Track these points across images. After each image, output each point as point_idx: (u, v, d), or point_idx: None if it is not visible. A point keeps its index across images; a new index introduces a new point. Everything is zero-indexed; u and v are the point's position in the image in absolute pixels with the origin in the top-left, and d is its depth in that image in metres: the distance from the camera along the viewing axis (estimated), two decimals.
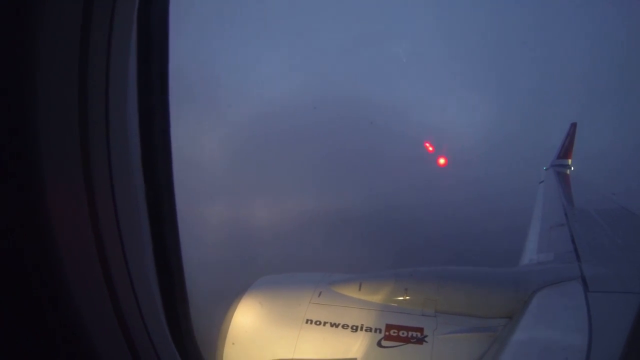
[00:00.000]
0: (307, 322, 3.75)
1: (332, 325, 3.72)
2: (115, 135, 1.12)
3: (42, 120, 0.90)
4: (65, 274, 0.97)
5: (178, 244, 1.59)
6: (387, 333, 3.60)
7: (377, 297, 3.91)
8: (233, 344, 3.74)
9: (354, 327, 3.68)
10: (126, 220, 1.18)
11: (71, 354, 1.02)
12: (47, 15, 0.88)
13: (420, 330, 3.60)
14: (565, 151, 16.36)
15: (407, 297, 3.88)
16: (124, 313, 1.16)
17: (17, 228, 0.90)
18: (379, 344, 3.56)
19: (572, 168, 15.59)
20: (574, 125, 16.98)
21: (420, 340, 3.54)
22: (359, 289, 3.97)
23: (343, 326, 3.70)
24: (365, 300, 3.90)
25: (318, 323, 3.74)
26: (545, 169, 15.14)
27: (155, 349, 1.32)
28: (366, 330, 3.65)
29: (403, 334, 3.58)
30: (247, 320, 3.88)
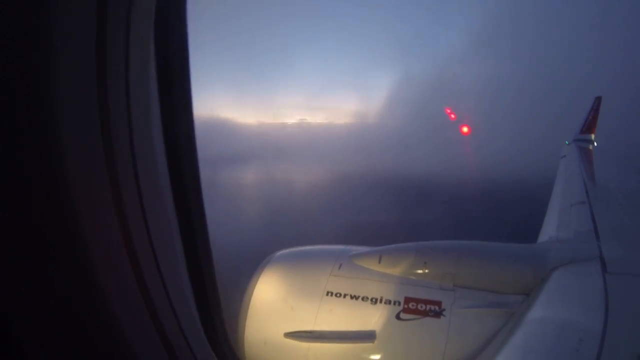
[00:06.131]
0: (327, 294, 3.81)
1: (352, 297, 3.78)
2: (139, 133, 1.11)
3: (63, 122, 0.89)
4: (96, 277, 0.97)
5: (207, 240, 1.59)
6: (405, 306, 3.66)
7: (396, 270, 3.96)
8: (254, 321, 3.83)
9: (374, 300, 3.74)
10: (154, 218, 1.18)
11: (109, 356, 1.04)
12: (60, 15, 0.87)
13: (439, 303, 3.65)
14: (589, 126, 15.92)
15: (426, 271, 3.92)
16: (159, 314, 1.18)
17: (44, 233, 0.90)
18: (398, 317, 3.62)
19: (595, 143, 15.22)
20: (598, 99, 16.45)
21: (438, 314, 3.60)
22: (379, 262, 4.02)
23: (363, 298, 3.76)
24: (385, 273, 3.94)
25: (338, 295, 3.80)
26: (568, 144, 14.80)
27: (191, 349, 1.34)
28: (385, 303, 3.71)
29: (421, 307, 3.64)
30: (268, 293, 3.95)
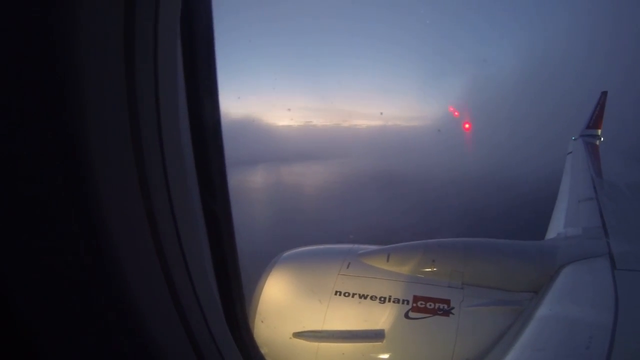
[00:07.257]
0: (336, 294, 3.81)
1: (360, 296, 3.77)
2: (167, 133, 1.10)
3: (92, 122, 0.88)
4: (125, 276, 0.96)
5: (233, 239, 1.59)
6: (414, 305, 3.65)
7: (405, 269, 3.95)
8: (262, 321, 3.83)
9: (382, 299, 3.74)
10: (183, 218, 1.17)
11: (137, 356, 1.04)
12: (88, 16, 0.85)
13: (447, 302, 3.65)
14: (595, 121, 15.81)
15: (435, 269, 3.91)
16: (187, 315, 1.17)
17: (71, 233, 0.89)
18: (406, 316, 3.62)
19: (602, 139, 15.11)
20: (604, 94, 16.32)
21: (446, 312, 3.59)
22: (387, 260, 4.01)
23: (371, 297, 3.75)
24: (394, 272, 3.94)
25: (347, 294, 3.80)
26: (574, 139, 14.70)
27: (219, 351, 1.34)
28: (394, 302, 3.70)
29: (430, 305, 3.64)
30: (276, 294, 3.96)
